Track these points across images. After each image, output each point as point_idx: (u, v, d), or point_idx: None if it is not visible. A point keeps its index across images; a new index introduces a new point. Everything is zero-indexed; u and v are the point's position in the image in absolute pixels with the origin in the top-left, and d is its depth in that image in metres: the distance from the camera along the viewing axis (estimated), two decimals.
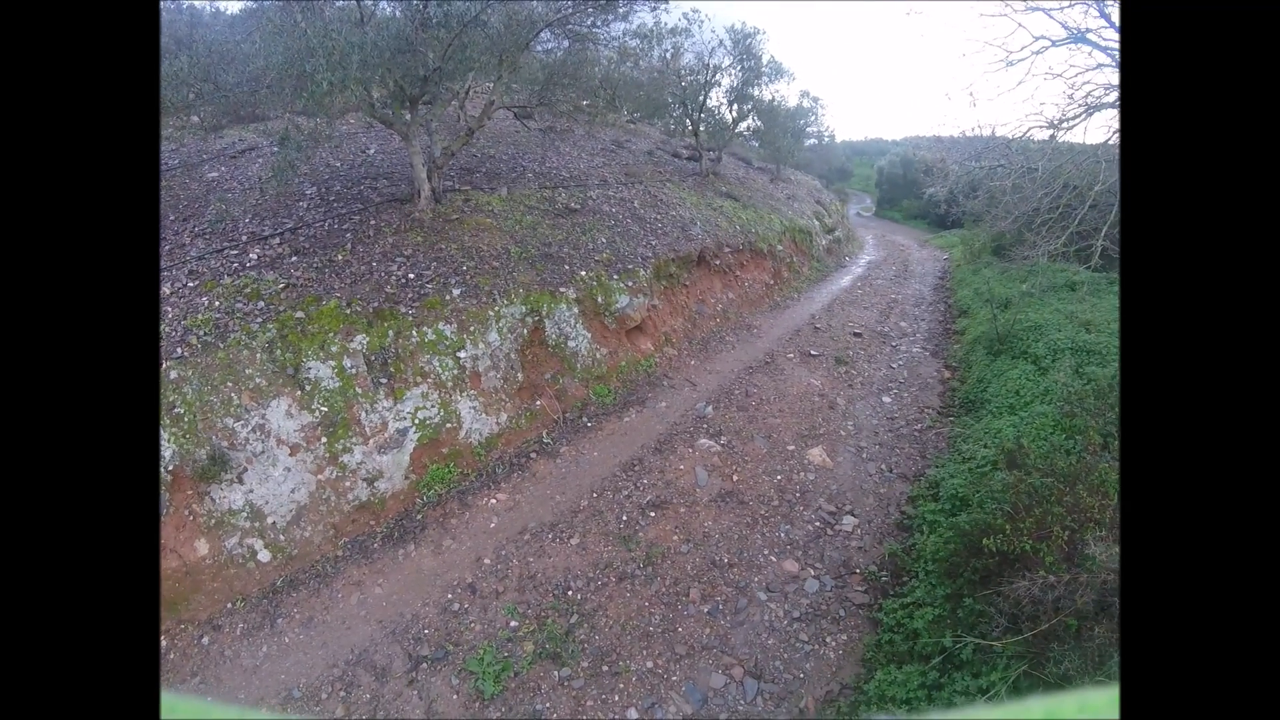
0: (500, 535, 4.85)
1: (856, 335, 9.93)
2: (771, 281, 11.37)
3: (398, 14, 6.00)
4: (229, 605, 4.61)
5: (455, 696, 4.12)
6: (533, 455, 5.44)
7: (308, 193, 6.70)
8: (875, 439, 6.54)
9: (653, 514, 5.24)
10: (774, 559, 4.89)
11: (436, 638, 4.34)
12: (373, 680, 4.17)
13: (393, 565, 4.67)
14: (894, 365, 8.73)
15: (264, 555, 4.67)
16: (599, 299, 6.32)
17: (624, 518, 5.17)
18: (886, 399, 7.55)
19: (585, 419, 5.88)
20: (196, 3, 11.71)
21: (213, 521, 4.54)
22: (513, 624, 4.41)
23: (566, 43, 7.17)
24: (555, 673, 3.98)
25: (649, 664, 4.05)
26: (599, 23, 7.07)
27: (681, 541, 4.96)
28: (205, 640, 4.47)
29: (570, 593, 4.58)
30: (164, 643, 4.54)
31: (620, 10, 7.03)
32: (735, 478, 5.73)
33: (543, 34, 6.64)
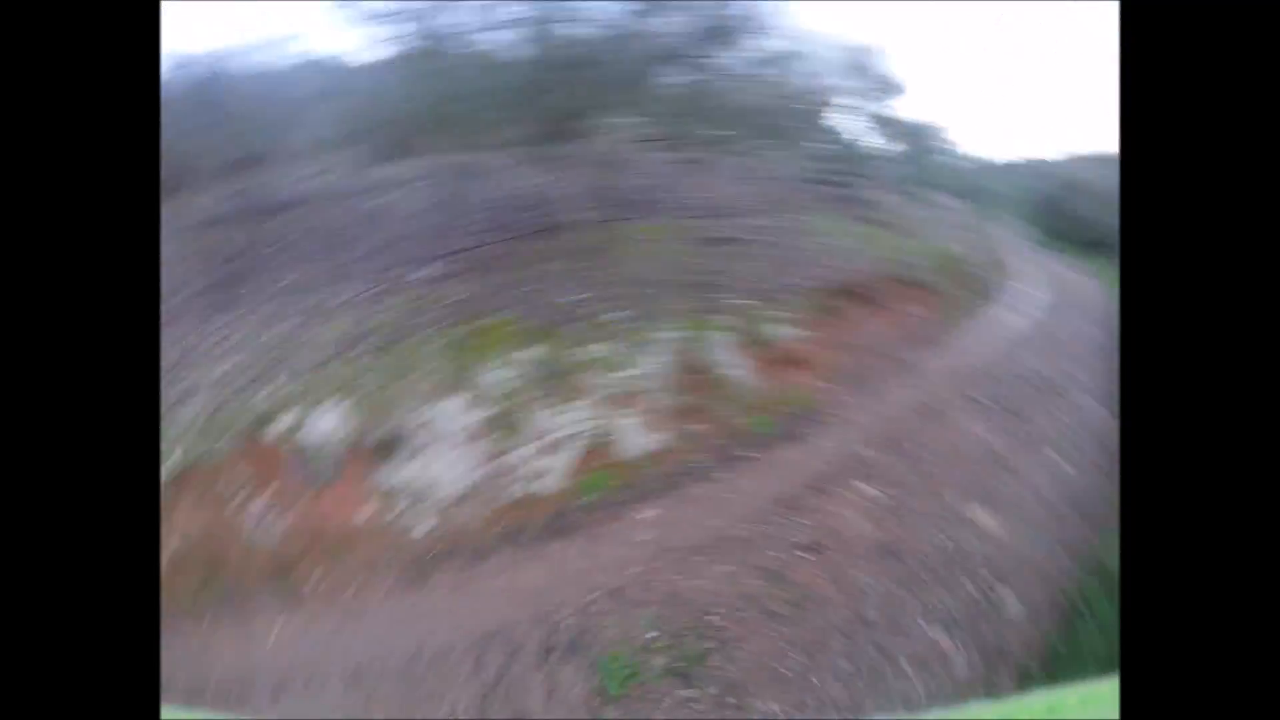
0: (649, 549, 4.91)
1: (1022, 380, 8.85)
2: (929, 315, 10.56)
3: (524, 57, 6.49)
4: (382, 566, 5.15)
5: (578, 689, 4.22)
6: (686, 478, 5.49)
7: (469, 220, 7.52)
8: (1046, 505, 5.76)
9: (804, 555, 4.94)
10: (924, 626, 4.46)
11: (574, 632, 4.48)
12: (504, 656, 4.38)
13: (541, 558, 4.94)
14: (1069, 421, 7.64)
15: (422, 529, 5.18)
16: (755, 328, 6.32)
17: (775, 554, 4.94)
18: (1059, 459, 6.63)
19: (740, 448, 5.84)
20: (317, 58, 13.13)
21: (381, 492, 5.15)
22: (649, 635, 4.35)
23: (692, 75, 7.14)
24: (680, 692, 3.93)
25: (775, 707, 3.86)
26: (713, 53, 6.93)
27: (832, 590, 4.69)
28: (351, 594, 5.02)
29: (711, 618, 4.41)
30: (311, 585, 5.13)
31: (731, 40, 6.84)
32: (893, 530, 5.33)
33: (664, 67, 6.70)
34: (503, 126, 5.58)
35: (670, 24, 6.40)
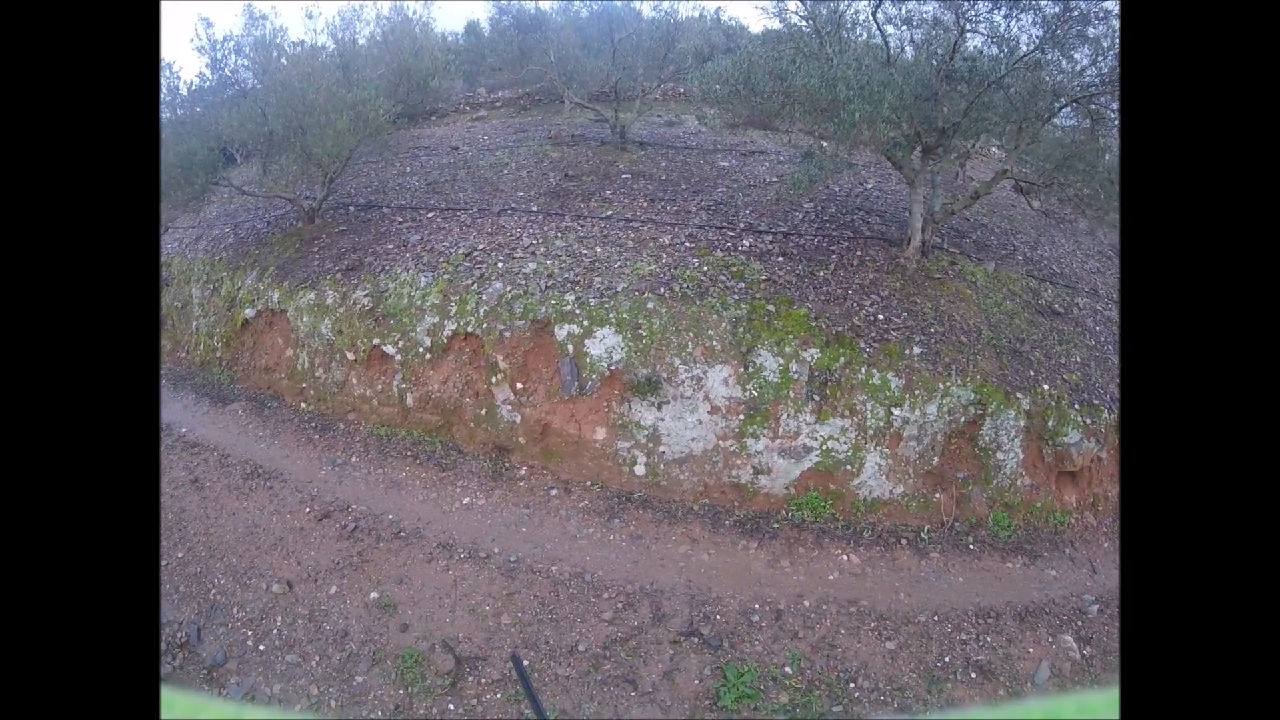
0: (832, 591, 4.73)
1: None
2: None
3: (920, 59, 6.00)
4: (589, 484, 5.67)
5: (696, 682, 4.30)
6: (903, 541, 5.09)
7: (805, 206, 7.41)
8: None
9: (974, 675, 4.47)
10: None
11: (723, 630, 4.54)
12: (647, 619, 4.62)
13: (729, 547, 5.03)
14: None
15: (640, 469, 5.56)
16: (1049, 423, 5.38)
17: (947, 659, 4.52)
18: None
19: (971, 540, 5.20)
20: (724, 19, 13.78)
21: (620, 422, 5.60)
22: (788, 669, 4.34)
23: (1088, 123, 6.22)
24: None
25: None
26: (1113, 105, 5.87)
27: None
28: (554, 493, 5.61)
29: (853, 686, 4.28)
30: (524, 472, 5.82)
31: None
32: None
33: (1064, 110, 5.87)
34: (879, 125, 5.33)
35: (1079, 63, 5.60)
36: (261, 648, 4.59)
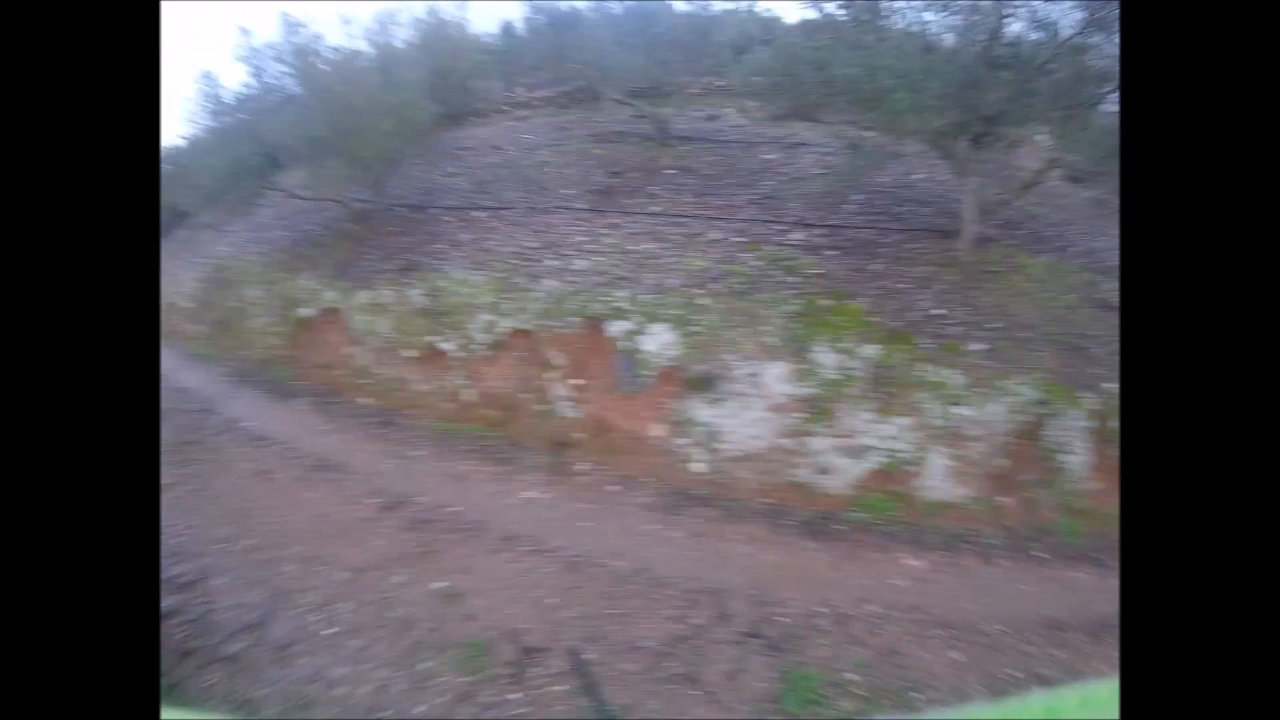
0: (898, 598, 4.64)
1: None
2: None
3: (961, 46, 5.85)
4: (648, 480, 5.68)
5: (757, 685, 4.25)
6: (968, 546, 4.97)
7: (853, 199, 7.30)
8: None
9: (1042, 691, 4.33)
10: None
11: (785, 631, 4.48)
12: (709, 617, 4.58)
13: (791, 548, 4.98)
14: None
15: (699, 466, 5.56)
16: (1114, 423, 5.23)
17: (1019, 674, 4.34)
18: None
19: (1038, 546, 5.05)
20: (759, 10, 13.53)
21: (677, 418, 5.61)
22: (850, 676, 4.24)
23: None
24: None
25: None
26: None
27: None
28: (613, 489, 5.62)
29: (914, 694, 4.11)
30: (583, 467, 5.82)
31: None
32: None
33: (1110, 95, 5.69)
34: (924, 114, 5.25)
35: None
36: (327, 632, 4.72)
